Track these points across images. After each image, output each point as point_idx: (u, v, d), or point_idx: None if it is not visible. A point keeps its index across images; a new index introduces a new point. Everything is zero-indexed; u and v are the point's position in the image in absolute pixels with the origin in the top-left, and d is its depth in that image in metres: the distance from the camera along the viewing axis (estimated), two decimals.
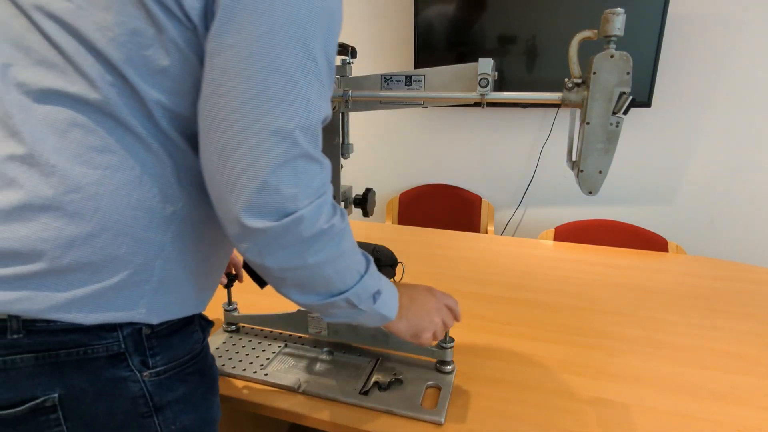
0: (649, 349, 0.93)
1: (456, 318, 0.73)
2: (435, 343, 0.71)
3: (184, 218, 0.53)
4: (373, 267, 0.60)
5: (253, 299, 1.10)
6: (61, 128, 0.46)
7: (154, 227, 0.50)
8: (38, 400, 0.48)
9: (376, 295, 0.60)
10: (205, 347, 0.61)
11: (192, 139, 0.51)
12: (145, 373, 0.52)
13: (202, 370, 0.59)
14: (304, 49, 0.46)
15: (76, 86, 0.46)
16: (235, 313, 0.95)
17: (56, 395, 0.48)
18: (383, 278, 0.62)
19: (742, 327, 1.02)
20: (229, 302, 0.95)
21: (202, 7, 0.45)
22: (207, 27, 0.46)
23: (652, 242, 1.63)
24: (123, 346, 0.51)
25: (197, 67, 0.48)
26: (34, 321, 0.47)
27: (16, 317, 0.46)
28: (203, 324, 0.61)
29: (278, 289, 0.56)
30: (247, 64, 0.44)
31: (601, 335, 0.98)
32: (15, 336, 0.47)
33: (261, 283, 0.72)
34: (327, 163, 0.52)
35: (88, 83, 0.46)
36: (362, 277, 0.58)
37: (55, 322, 0.47)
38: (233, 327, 0.96)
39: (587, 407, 0.76)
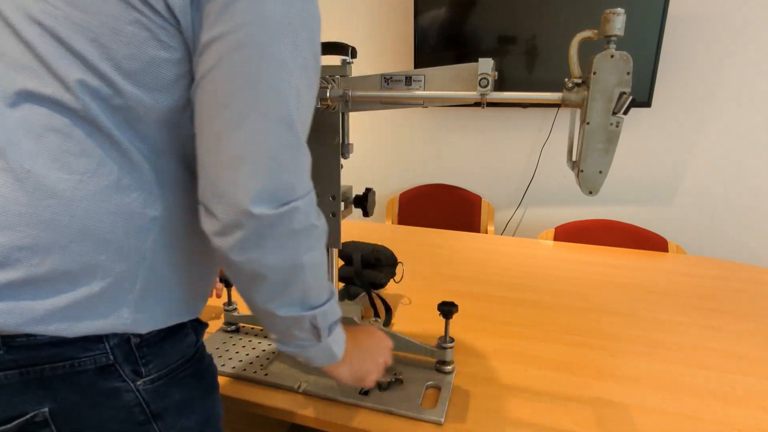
0: (649, 349, 0.92)
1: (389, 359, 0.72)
2: (374, 384, 0.70)
3: (165, 224, 0.51)
4: (336, 295, 0.61)
5: None
6: (37, 132, 0.45)
7: (134, 234, 0.49)
8: (28, 416, 0.46)
9: (333, 326, 0.60)
10: (200, 348, 0.60)
11: (174, 141, 0.50)
12: (138, 382, 0.51)
13: (199, 372, 0.58)
14: (293, 41, 0.47)
15: (50, 88, 0.44)
16: (235, 313, 0.95)
17: (46, 409, 0.47)
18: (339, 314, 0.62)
19: (742, 327, 1.02)
20: (229, 302, 0.95)
21: (187, 2, 0.45)
22: (193, 22, 0.46)
23: (652, 242, 1.63)
24: (111, 357, 0.49)
25: (181, 62, 0.47)
26: (14, 336, 0.45)
27: None
28: (197, 326, 0.60)
29: (250, 293, 0.53)
30: (242, 51, 0.45)
31: (601, 335, 0.97)
32: None
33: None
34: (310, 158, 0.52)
35: (62, 85, 0.44)
36: (329, 299, 0.58)
37: (35, 336, 0.45)
38: (233, 327, 0.96)
39: (587, 407, 0.76)
